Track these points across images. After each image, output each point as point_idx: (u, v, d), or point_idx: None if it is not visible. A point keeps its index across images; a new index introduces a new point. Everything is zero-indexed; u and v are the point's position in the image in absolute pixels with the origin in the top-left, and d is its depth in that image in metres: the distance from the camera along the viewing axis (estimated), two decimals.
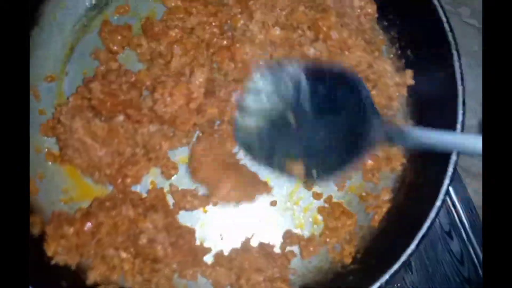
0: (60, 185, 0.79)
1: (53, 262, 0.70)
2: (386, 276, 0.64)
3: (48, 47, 0.84)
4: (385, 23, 0.86)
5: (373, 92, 0.83)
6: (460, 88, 0.74)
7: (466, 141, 0.58)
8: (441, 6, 0.77)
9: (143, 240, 0.73)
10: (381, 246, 0.74)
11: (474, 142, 0.57)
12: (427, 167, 0.75)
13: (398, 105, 0.83)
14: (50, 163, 0.80)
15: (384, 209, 0.77)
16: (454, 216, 0.95)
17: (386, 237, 0.74)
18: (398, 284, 0.90)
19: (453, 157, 0.70)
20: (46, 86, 0.83)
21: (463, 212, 0.95)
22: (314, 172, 0.70)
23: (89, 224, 0.72)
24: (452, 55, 0.75)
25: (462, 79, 0.74)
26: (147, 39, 0.83)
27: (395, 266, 0.64)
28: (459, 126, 0.72)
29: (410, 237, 0.67)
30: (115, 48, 0.84)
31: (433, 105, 0.79)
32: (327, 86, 0.71)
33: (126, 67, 0.83)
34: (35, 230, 0.73)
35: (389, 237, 0.74)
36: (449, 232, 0.94)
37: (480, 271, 0.92)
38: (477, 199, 0.97)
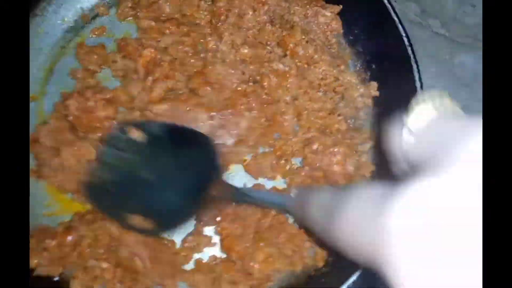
0: (41, 200, 0.81)
1: (35, 273, 0.72)
2: (354, 277, 0.68)
3: None
4: (351, 38, 0.91)
5: (341, 104, 0.87)
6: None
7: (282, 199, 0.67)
8: (400, 22, 0.82)
9: (123, 253, 0.75)
10: None
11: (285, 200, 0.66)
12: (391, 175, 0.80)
13: (364, 115, 0.88)
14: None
15: None
16: None
17: None
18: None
19: None
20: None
21: None
22: (157, 224, 0.73)
23: (70, 238, 0.74)
24: (411, 67, 0.80)
25: (421, 89, 0.79)
26: (121, 57, 0.86)
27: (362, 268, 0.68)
28: None
29: None
30: (92, 67, 0.87)
31: (397, 114, 0.84)
32: (177, 143, 0.76)
33: (103, 85, 0.86)
34: None
35: None
36: None
37: None
38: None
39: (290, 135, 0.85)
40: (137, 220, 0.73)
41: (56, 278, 0.74)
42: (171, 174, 0.75)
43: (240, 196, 0.73)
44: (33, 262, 0.73)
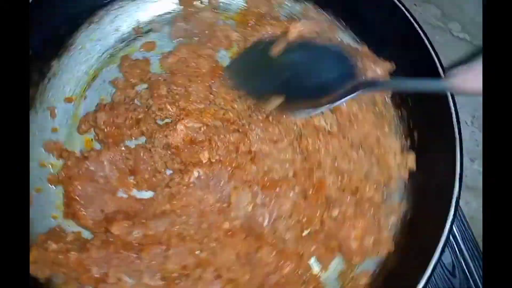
0: (54, 201, 0.83)
1: None
2: None
3: (73, 71, 0.90)
4: (398, 101, 0.85)
5: (375, 169, 0.81)
6: (457, 177, 0.71)
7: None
8: (453, 99, 0.75)
9: None
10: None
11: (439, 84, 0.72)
12: (409, 258, 0.72)
13: (396, 186, 0.81)
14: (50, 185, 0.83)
15: None
16: None
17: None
18: None
19: (437, 253, 0.67)
20: (64, 106, 0.88)
21: (454, 224, 0.90)
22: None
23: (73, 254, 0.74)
24: (455, 148, 0.72)
25: (461, 173, 0.71)
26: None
27: None
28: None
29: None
30: (133, 80, 0.88)
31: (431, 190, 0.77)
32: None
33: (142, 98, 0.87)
34: None
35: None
36: None
37: (471, 283, 0.90)
38: (468, 211, 0.96)
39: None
40: (275, 98, 0.77)
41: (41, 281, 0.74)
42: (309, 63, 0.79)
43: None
44: (33, 256, 0.74)
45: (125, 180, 0.81)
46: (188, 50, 0.88)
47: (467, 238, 0.93)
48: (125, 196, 0.82)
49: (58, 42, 0.88)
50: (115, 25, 0.92)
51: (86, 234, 0.80)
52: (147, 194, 0.82)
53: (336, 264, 0.79)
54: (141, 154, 0.82)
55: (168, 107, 0.86)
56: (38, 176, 0.83)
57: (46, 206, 0.82)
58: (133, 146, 0.83)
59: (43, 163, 0.84)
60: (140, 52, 0.92)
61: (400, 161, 0.80)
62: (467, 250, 0.92)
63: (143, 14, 0.93)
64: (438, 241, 0.68)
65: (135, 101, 0.87)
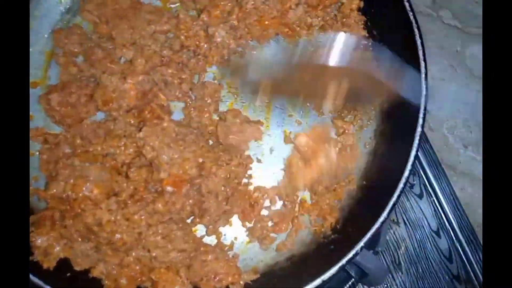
0: None
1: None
2: (361, 243, 0.71)
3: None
4: None
5: None
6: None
7: None
8: None
9: None
10: (358, 216, 0.80)
11: None
12: (395, 138, 0.81)
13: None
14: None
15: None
16: (441, 215, 0.99)
17: (362, 208, 0.81)
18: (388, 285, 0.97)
19: (420, 121, 0.76)
20: (32, 92, 0.85)
21: (450, 210, 0.99)
22: None
23: None
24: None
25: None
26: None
27: (369, 234, 0.71)
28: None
29: (382, 207, 0.73)
30: (75, 50, 0.86)
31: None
32: None
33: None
34: None
35: (364, 208, 0.80)
36: (437, 231, 0.99)
37: (469, 268, 0.97)
38: (464, 197, 0.99)
39: None
40: None
41: None
42: None
43: None
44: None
45: None
46: None
47: (463, 225, 0.97)
48: None
49: None
50: None
51: None
52: None
53: None
54: (111, 126, 0.82)
55: (111, 65, 0.84)
56: (31, 165, 0.82)
57: None
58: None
59: (31, 153, 0.84)
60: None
61: None
62: (463, 237, 0.96)
63: None
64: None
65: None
